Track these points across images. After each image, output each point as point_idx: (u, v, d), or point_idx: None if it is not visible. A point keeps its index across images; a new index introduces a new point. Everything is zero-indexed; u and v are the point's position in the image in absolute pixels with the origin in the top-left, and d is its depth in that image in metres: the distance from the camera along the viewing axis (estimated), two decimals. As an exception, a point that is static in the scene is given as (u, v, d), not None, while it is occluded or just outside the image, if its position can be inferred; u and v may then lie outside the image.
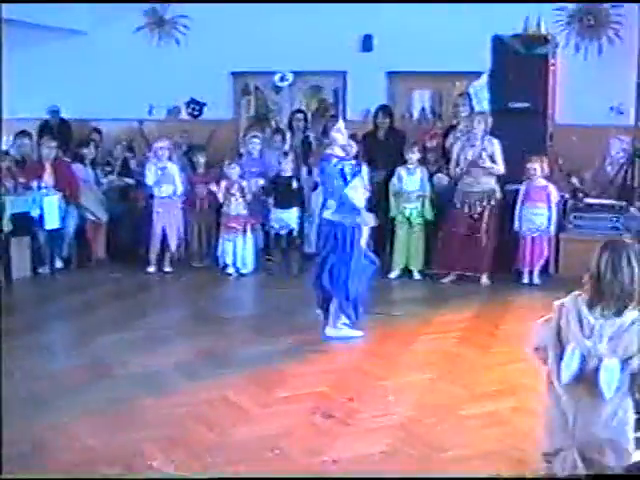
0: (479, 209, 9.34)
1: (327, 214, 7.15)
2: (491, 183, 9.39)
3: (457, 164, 9.44)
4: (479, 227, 9.37)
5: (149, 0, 12.59)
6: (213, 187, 9.98)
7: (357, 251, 7.15)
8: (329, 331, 7.21)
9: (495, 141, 9.36)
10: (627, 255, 3.65)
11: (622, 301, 3.63)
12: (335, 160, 7.18)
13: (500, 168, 9.34)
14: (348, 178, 7.16)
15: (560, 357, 3.74)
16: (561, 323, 3.77)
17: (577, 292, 3.78)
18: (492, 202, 9.35)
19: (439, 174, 9.84)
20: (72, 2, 11.98)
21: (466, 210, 9.37)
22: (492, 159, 9.33)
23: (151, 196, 10.15)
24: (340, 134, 7.27)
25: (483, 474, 4.60)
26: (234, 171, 9.97)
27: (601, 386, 3.63)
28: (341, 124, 7.42)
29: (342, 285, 7.11)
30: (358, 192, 7.24)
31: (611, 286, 3.63)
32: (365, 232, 7.32)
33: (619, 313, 3.64)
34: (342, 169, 7.16)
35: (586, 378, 3.69)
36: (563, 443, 3.77)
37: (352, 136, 9.27)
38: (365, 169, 8.54)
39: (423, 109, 12.36)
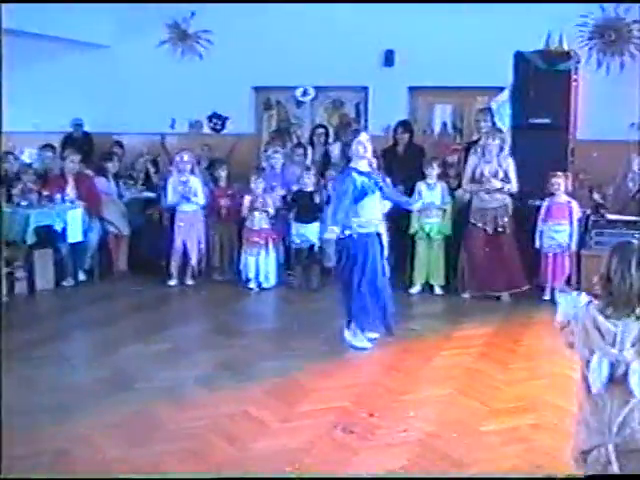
0: (495, 225, 9.34)
1: (329, 235, 7.27)
2: (506, 198, 9.36)
3: (473, 179, 9.45)
4: (499, 243, 9.38)
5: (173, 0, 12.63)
6: (246, 200, 10.02)
7: (371, 262, 7.26)
8: (345, 333, 7.42)
9: (510, 159, 9.37)
10: (637, 258, 3.67)
11: (632, 303, 3.65)
12: (355, 174, 7.23)
13: (513, 186, 9.34)
14: (368, 192, 7.24)
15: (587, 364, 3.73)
16: (579, 327, 3.77)
17: (588, 299, 3.78)
18: (506, 217, 9.34)
19: (460, 190, 9.84)
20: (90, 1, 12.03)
21: (481, 226, 9.38)
22: (506, 176, 9.34)
23: (173, 209, 10.22)
24: (361, 147, 7.31)
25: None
26: (260, 186, 10.00)
27: (632, 388, 3.64)
28: (364, 137, 7.43)
29: (354, 295, 7.27)
30: (375, 206, 7.35)
31: (621, 288, 3.65)
32: (384, 243, 7.47)
33: (635, 317, 3.65)
34: (362, 183, 7.21)
35: (617, 381, 3.68)
36: (598, 441, 3.75)
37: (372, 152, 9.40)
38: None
39: (444, 124, 12.39)
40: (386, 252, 7.51)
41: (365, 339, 7.38)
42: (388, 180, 8.25)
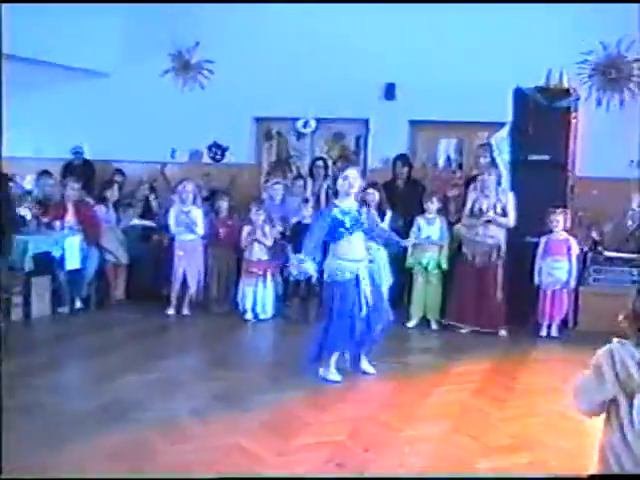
0: (486, 262, 9.37)
1: (294, 268, 7.26)
2: (500, 237, 9.41)
3: (471, 213, 9.49)
4: (489, 281, 9.40)
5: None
6: (245, 230, 10.04)
7: (336, 307, 7.21)
8: (321, 370, 7.38)
9: (510, 194, 9.43)
10: None
11: None
12: (335, 210, 7.20)
13: (510, 221, 9.38)
14: (346, 232, 7.18)
15: (630, 406, 3.62)
16: (618, 372, 3.66)
17: (617, 339, 3.67)
18: (499, 256, 9.38)
19: (458, 225, 9.87)
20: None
21: (470, 259, 9.43)
22: (504, 211, 9.37)
23: (172, 238, 10.25)
24: (346, 182, 7.20)
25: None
26: (260, 217, 10.03)
27: None
28: (350, 172, 7.28)
29: (323, 333, 7.30)
30: (354, 247, 7.24)
31: None
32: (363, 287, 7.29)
33: None
34: (341, 220, 7.15)
35: None
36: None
37: (373, 185, 9.50)
38: (389, 214, 8.97)
39: (448, 158, 12.44)
40: (386, 283, 7.50)
41: (336, 372, 7.32)
42: (388, 215, 8.25)
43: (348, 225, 7.18)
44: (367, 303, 7.26)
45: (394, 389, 7.23)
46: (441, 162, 12.47)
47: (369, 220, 7.61)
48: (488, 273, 9.40)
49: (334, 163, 11.69)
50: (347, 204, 7.25)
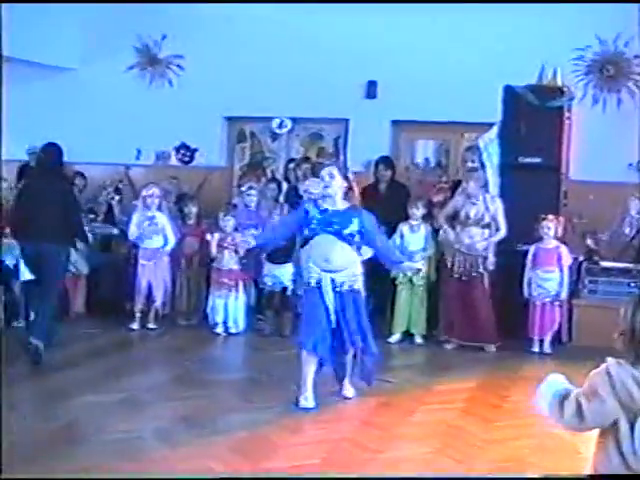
0: (471, 273, 9.43)
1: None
2: (488, 248, 9.47)
3: (456, 219, 9.50)
4: (475, 293, 9.47)
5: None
6: (208, 236, 10.01)
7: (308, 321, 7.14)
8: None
9: (498, 201, 9.49)
10: None
11: None
12: (310, 205, 7.13)
13: (502, 232, 9.45)
14: (307, 229, 7.07)
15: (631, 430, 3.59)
16: (619, 394, 3.65)
17: (614, 359, 3.64)
18: (487, 269, 9.45)
19: (442, 232, 9.85)
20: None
21: (456, 270, 9.47)
22: (494, 220, 9.41)
23: (136, 246, 10.22)
24: (321, 184, 7.12)
25: None
26: (229, 223, 10.03)
27: None
28: (324, 171, 7.15)
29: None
30: (320, 249, 7.02)
31: None
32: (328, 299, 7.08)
33: None
34: (310, 217, 7.04)
35: None
36: None
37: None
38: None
39: (428, 160, 12.47)
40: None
41: (311, 397, 7.13)
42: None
43: (314, 224, 7.03)
44: (329, 320, 7.06)
45: (374, 408, 7.24)
46: (425, 165, 12.49)
47: (365, 230, 7.16)
48: (474, 284, 9.44)
49: (297, 165, 11.54)
50: (330, 205, 7.11)
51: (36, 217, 8.36)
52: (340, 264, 7.07)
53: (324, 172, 7.15)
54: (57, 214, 8.36)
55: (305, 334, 7.13)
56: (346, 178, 7.21)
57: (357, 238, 7.13)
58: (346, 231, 7.06)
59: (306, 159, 11.86)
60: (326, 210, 7.08)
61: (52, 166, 8.70)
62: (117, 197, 11.71)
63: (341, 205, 7.13)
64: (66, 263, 8.87)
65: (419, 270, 8.76)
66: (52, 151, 8.77)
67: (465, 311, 9.49)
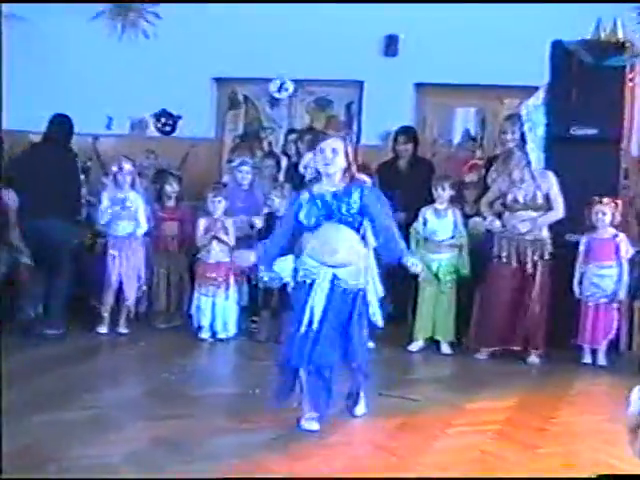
0: (530, 263, 9.39)
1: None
2: (544, 231, 9.47)
3: (503, 205, 9.49)
4: (529, 289, 9.43)
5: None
6: (201, 224, 10.04)
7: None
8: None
9: (550, 174, 9.44)
10: None
11: None
12: (303, 196, 7.09)
13: (559, 212, 9.40)
14: (305, 220, 7.03)
15: None
16: None
17: None
18: (545, 256, 9.42)
19: (476, 218, 9.86)
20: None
21: (514, 264, 9.44)
22: (547, 198, 9.38)
23: (105, 234, 10.22)
24: (322, 156, 6.97)
25: None
26: (220, 206, 10.03)
27: None
28: (326, 144, 7.00)
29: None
30: (320, 240, 6.95)
31: None
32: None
33: None
34: (309, 209, 7.01)
35: None
36: None
37: (363, 167, 9.21)
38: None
39: (466, 132, 12.46)
40: (374, 295, 7.27)
41: (312, 421, 7.09)
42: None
43: (314, 212, 6.97)
44: (311, 322, 6.95)
45: (391, 431, 7.20)
46: (456, 137, 12.48)
47: (364, 205, 7.00)
48: (526, 279, 9.43)
49: (299, 137, 11.48)
50: (326, 187, 7.05)
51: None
52: (347, 258, 7.00)
53: (325, 145, 7.01)
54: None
55: (286, 345, 7.16)
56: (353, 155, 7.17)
57: (359, 219, 7.00)
58: (350, 211, 6.97)
59: (310, 130, 11.85)
60: (323, 195, 7.02)
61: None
62: (82, 175, 11.69)
63: (341, 185, 7.05)
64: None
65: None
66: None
67: (511, 310, 9.49)
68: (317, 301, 6.95)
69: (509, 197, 9.49)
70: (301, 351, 6.98)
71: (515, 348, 9.49)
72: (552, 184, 9.42)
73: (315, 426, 7.04)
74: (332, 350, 7.04)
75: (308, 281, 7.01)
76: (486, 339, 9.65)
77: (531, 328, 9.48)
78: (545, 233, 9.48)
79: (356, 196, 6.99)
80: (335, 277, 6.96)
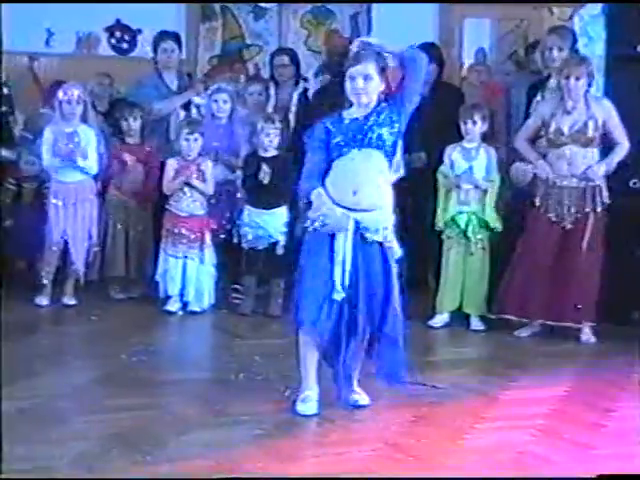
0: (576, 217, 9.43)
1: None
2: (597, 174, 9.45)
3: (546, 139, 9.51)
4: (577, 247, 9.46)
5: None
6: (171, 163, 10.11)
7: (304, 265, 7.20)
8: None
9: (607, 104, 9.44)
10: None
11: None
12: (329, 123, 7.15)
13: (624, 145, 9.43)
14: (336, 148, 7.06)
15: None
16: None
17: None
18: (598, 207, 9.44)
19: (520, 163, 9.82)
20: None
21: (554, 217, 9.48)
22: (599, 132, 9.36)
23: (45, 180, 10.25)
24: (355, 82, 7.01)
25: None
26: (196, 145, 10.06)
27: None
28: (357, 68, 7.01)
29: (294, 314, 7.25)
30: (346, 175, 7.03)
31: None
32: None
33: None
34: (330, 138, 7.06)
35: None
36: None
37: None
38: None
39: (493, 50, 12.47)
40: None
41: (309, 402, 7.29)
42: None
43: (339, 138, 7.03)
44: (344, 282, 7.09)
45: (407, 427, 7.24)
46: (491, 58, 12.48)
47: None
48: (577, 231, 9.46)
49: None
50: (354, 113, 7.12)
51: None
52: (372, 201, 7.07)
53: (355, 73, 7.06)
54: None
55: (303, 305, 7.16)
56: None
57: (392, 138, 7.08)
58: (377, 133, 7.04)
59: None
60: (356, 119, 7.09)
61: None
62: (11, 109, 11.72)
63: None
64: None
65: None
66: None
67: (558, 277, 9.50)
68: (346, 254, 7.06)
69: (552, 127, 9.47)
70: (328, 318, 7.10)
71: (564, 323, 9.51)
72: (611, 113, 9.44)
73: (313, 408, 7.22)
74: (359, 316, 7.17)
75: (327, 228, 7.04)
76: (523, 309, 9.65)
77: (583, 297, 9.51)
78: (600, 177, 9.46)
79: (384, 105, 7.10)
80: (357, 224, 7.04)
